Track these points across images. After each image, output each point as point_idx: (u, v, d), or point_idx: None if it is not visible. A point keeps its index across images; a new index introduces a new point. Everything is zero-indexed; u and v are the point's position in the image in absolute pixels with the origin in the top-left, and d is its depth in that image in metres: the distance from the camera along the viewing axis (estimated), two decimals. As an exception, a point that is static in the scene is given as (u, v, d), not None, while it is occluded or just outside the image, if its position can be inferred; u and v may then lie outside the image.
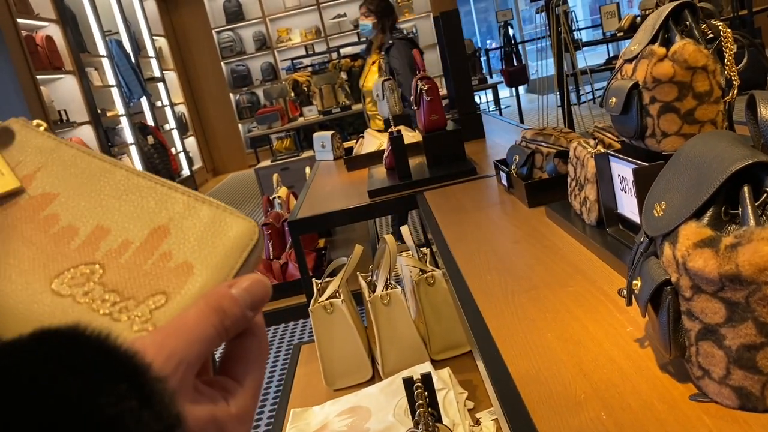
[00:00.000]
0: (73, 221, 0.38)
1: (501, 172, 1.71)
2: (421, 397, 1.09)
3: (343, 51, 7.59)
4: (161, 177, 0.40)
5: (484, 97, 10.06)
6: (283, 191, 3.25)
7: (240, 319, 0.34)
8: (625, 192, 1.03)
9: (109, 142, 6.89)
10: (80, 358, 0.27)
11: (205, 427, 0.32)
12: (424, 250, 1.74)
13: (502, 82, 8.68)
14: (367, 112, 4.05)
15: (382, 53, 3.78)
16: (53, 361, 0.27)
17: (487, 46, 8.85)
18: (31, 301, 0.35)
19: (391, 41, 3.78)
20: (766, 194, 0.59)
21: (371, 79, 3.88)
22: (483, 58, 9.15)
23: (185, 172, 9.15)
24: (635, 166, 0.95)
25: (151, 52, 9.24)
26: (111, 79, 7.50)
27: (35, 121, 0.43)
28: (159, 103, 9.07)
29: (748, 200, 0.59)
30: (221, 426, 0.33)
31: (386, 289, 1.55)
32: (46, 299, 0.35)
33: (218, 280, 0.36)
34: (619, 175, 1.05)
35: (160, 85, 9.28)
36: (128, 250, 0.37)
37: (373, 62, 3.91)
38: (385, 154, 2.26)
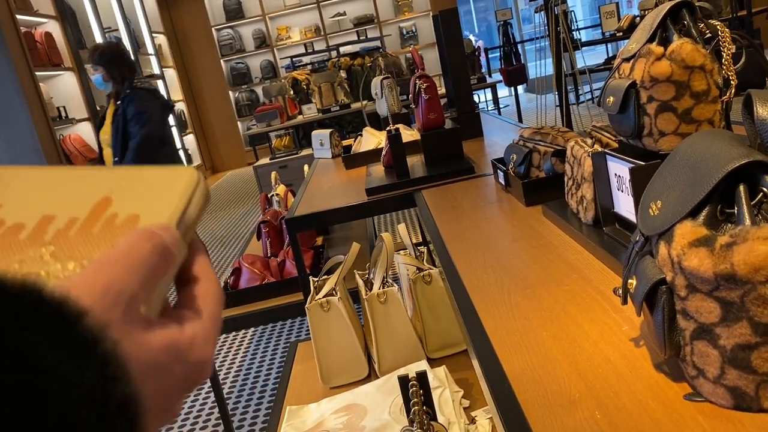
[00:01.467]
0: (18, 220, 0.37)
1: (498, 171, 1.71)
2: (417, 396, 1.09)
3: (342, 49, 7.57)
4: None
5: (483, 96, 10.06)
6: (281, 189, 3.25)
7: (178, 240, 0.33)
8: (622, 191, 1.03)
9: (107, 139, 6.89)
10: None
11: (159, 356, 0.31)
12: (422, 248, 1.74)
13: (501, 81, 8.68)
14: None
15: (119, 102, 3.62)
16: None
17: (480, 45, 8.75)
18: None
19: (129, 90, 3.62)
20: (761, 193, 0.59)
21: (108, 130, 3.71)
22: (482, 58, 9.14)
23: (184, 169, 9.13)
24: (632, 165, 0.95)
25: (150, 49, 9.23)
26: (110, 76, 7.48)
27: None
28: (158, 101, 9.06)
29: (743, 199, 0.59)
30: (177, 352, 0.32)
31: (383, 287, 1.55)
32: None
33: (165, 219, 0.37)
34: (615, 174, 1.05)
35: (160, 83, 9.27)
36: (75, 225, 0.37)
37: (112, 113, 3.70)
38: (384, 153, 2.26)
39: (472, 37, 9.38)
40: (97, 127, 3.81)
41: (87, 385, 0.25)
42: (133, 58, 7.81)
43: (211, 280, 0.37)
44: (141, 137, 3.56)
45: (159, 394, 0.31)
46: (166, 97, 3.98)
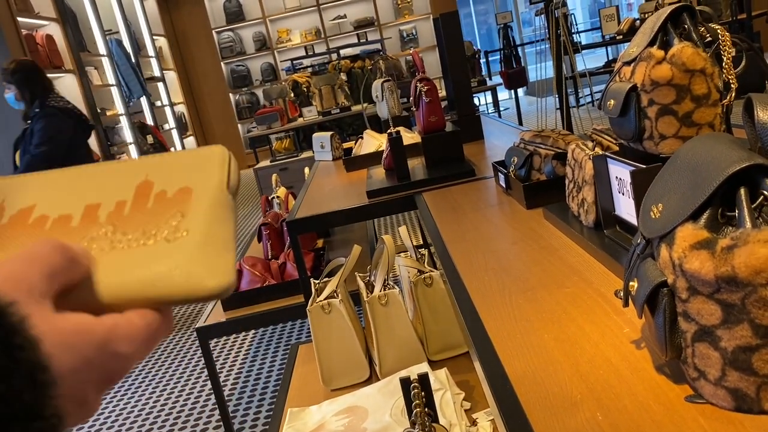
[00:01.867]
0: (62, 212, 0.38)
1: (499, 174, 1.71)
2: (418, 398, 1.09)
3: (342, 52, 7.58)
4: None
5: (483, 99, 10.07)
6: (281, 191, 3.25)
7: (84, 250, 0.34)
8: (623, 194, 1.04)
9: (108, 141, 6.89)
10: None
11: (69, 337, 0.31)
12: (423, 250, 1.74)
13: (501, 84, 8.70)
14: None
15: (29, 122, 3.49)
16: None
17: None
18: None
19: (38, 109, 3.46)
20: (762, 196, 0.59)
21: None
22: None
23: (184, 171, 9.13)
24: (633, 168, 0.95)
25: (151, 51, 9.24)
26: (111, 79, 7.50)
27: None
28: (159, 103, 9.07)
29: (744, 202, 0.59)
30: (90, 336, 0.32)
31: (384, 290, 1.55)
32: None
33: (216, 188, 0.37)
34: (616, 177, 1.05)
35: (160, 85, 9.28)
36: (126, 206, 0.37)
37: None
38: (384, 155, 2.26)
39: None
40: (14, 149, 3.62)
41: None
42: (134, 60, 7.82)
43: (165, 313, 0.37)
44: (34, 155, 3.38)
45: (72, 380, 0.31)
46: (86, 115, 3.71)
